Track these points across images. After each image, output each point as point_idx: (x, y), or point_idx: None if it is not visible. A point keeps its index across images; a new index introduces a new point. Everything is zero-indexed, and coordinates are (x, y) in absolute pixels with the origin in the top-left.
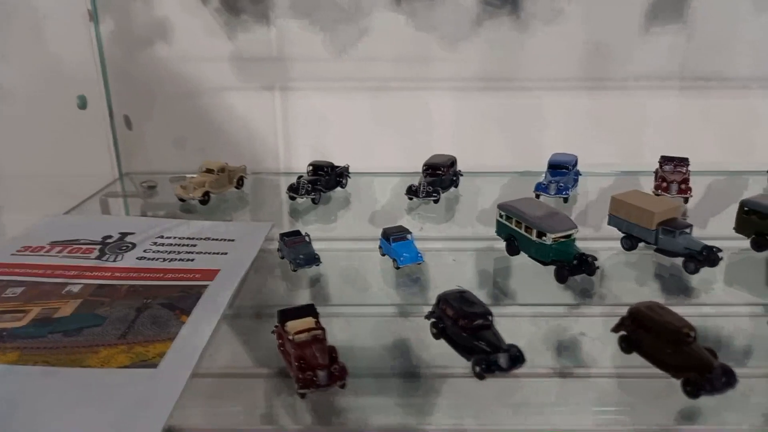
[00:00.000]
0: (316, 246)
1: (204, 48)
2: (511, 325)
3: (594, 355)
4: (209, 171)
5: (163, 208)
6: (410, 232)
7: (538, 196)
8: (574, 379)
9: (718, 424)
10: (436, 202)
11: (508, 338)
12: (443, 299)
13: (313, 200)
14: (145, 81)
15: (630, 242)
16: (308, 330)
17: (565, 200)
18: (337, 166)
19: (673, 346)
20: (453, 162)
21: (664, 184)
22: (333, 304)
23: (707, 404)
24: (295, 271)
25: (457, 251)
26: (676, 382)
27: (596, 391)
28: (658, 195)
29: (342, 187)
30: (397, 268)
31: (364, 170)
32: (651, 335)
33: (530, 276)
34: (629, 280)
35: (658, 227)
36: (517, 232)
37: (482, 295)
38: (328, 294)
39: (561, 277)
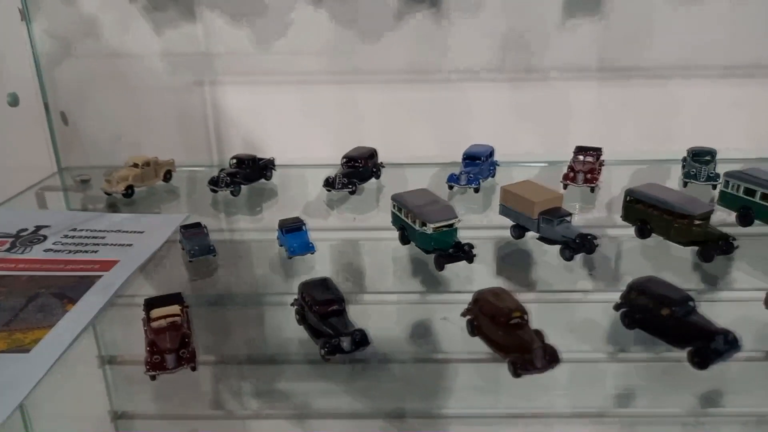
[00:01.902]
0: (235, 237)
1: (134, 44)
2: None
3: (454, 340)
4: (135, 165)
5: (101, 201)
6: (305, 224)
7: (451, 187)
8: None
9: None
10: (351, 193)
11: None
12: (303, 287)
13: (232, 192)
14: (79, 77)
15: (518, 231)
16: (166, 317)
17: (476, 190)
18: (261, 159)
19: (502, 327)
20: (372, 154)
21: (572, 174)
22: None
23: (530, 382)
24: (191, 261)
25: (371, 241)
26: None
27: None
28: (565, 185)
29: (267, 179)
30: (289, 258)
31: (293, 162)
32: (487, 318)
33: (419, 264)
34: (512, 267)
35: (539, 216)
36: (405, 222)
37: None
38: (225, 282)
39: (439, 265)
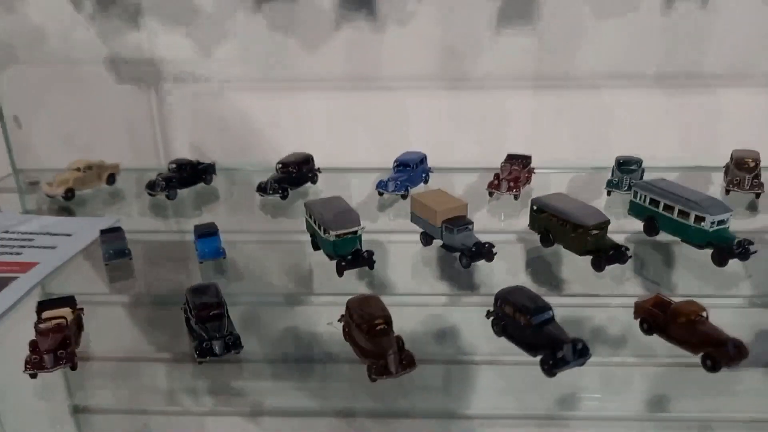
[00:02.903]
0: (161, 239)
1: (82, 50)
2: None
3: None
4: (77, 169)
5: (55, 203)
6: (217, 229)
7: (381, 194)
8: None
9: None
10: (282, 198)
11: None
12: (188, 292)
13: (167, 196)
14: (30, 83)
15: (426, 238)
16: (52, 319)
17: (404, 197)
18: (201, 164)
19: (365, 334)
20: (308, 159)
21: (495, 182)
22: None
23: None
24: (107, 264)
25: (290, 244)
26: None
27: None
28: (490, 192)
29: (207, 183)
30: (200, 262)
31: (235, 166)
32: (354, 325)
33: (324, 270)
34: (409, 272)
35: (441, 225)
36: (314, 228)
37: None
38: (137, 284)
39: (339, 271)
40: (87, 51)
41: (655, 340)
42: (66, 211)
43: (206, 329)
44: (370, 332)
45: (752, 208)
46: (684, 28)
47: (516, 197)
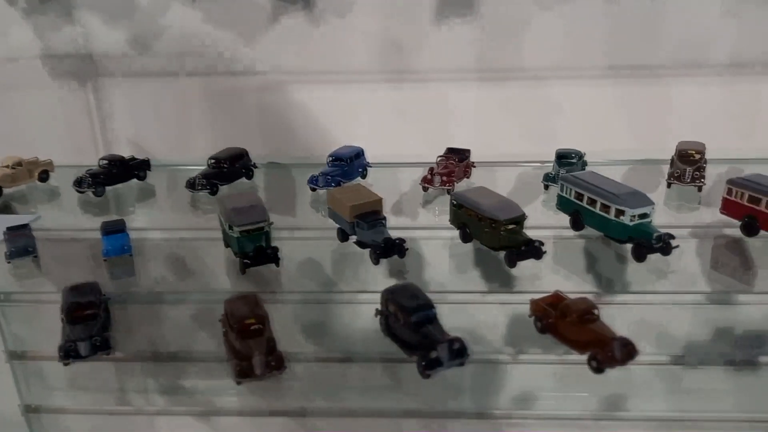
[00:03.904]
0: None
1: (15, 47)
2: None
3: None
4: (5, 166)
5: None
6: (125, 226)
7: (313, 189)
8: None
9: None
10: (212, 194)
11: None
12: (63, 292)
13: (94, 193)
14: None
15: (341, 234)
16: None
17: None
18: (134, 160)
19: (237, 334)
20: (242, 155)
21: (429, 177)
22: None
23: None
24: (9, 262)
25: (200, 241)
26: None
27: None
28: (424, 187)
29: (140, 179)
30: (104, 260)
31: (172, 162)
32: (228, 324)
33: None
34: (313, 269)
35: (353, 220)
36: (224, 225)
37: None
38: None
39: (241, 269)
40: (21, 47)
41: None
42: None
43: (74, 330)
44: (241, 333)
45: (693, 201)
46: (631, 17)
47: (449, 192)
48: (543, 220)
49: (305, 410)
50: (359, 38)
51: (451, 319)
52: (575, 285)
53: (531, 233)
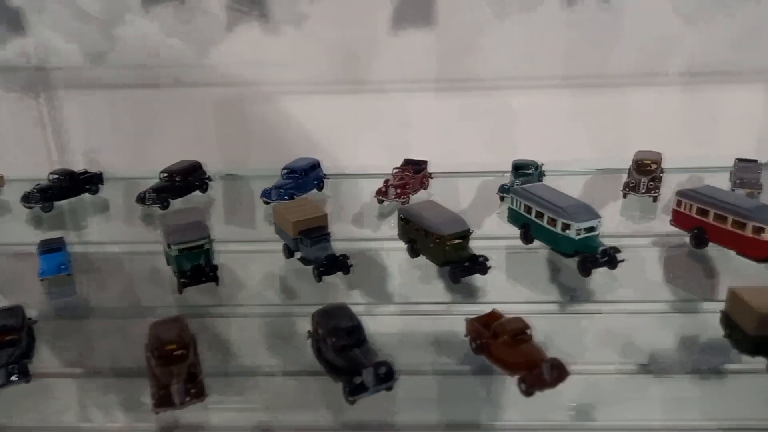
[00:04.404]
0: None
1: None
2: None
3: None
4: None
5: None
6: (64, 245)
7: (266, 202)
8: None
9: None
10: (162, 209)
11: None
12: None
13: (42, 208)
14: None
15: (287, 251)
16: None
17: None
18: (86, 173)
19: (156, 359)
20: (195, 168)
21: (384, 189)
22: None
23: None
24: None
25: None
26: None
27: None
28: (379, 200)
29: (92, 193)
30: (40, 279)
31: (133, 175)
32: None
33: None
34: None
35: (297, 236)
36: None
37: None
38: None
39: (179, 288)
40: None
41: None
42: None
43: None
44: (161, 359)
45: (649, 211)
46: (589, 27)
47: (403, 204)
48: (498, 231)
49: (258, 426)
50: (316, 48)
51: (391, 333)
52: (527, 296)
53: (485, 244)
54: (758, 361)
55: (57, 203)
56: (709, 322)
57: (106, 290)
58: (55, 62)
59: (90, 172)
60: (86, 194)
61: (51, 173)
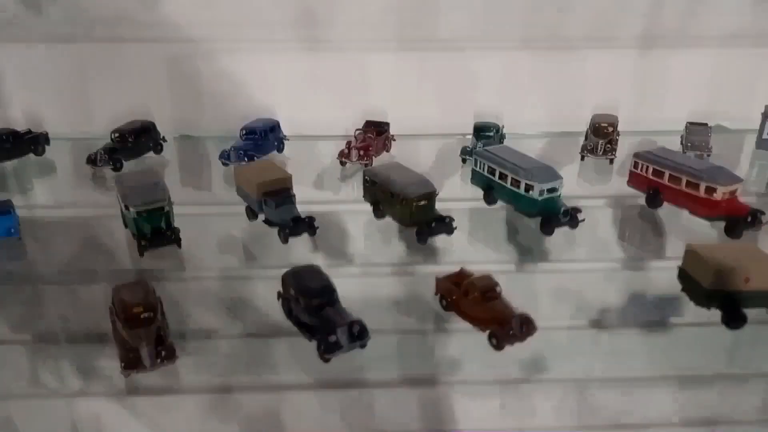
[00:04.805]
0: None
1: None
2: None
3: None
4: None
5: None
6: (11, 207)
7: (225, 164)
8: None
9: None
10: (115, 170)
11: None
12: None
13: None
14: None
15: (250, 213)
16: None
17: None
18: (30, 133)
19: (126, 324)
20: (148, 128)
21: (346, 151)
22: None
23: None
24: None
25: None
26: None
27: None
28: (341, 162)
29: (37, 154)
30: None
31: (79, 136)
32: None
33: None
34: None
35: (261, 198)
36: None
37: None
38: None
39: (140, 251)
40: None
41: None
42: None
43: None
44: (129, 321)
45: (605, 173)
46: None
47: (366, 166)
48: (461, 193)
49: (228, 387)
50: (273, 5)
51: (359, 293)
52: (489, 257)
53: (448, 206)
54: (713, 314)
55: (2, 164)
56: (662, 278)
57: (58, 254)
58: None
59: (35, 132)
60: (31, 155)
61: None
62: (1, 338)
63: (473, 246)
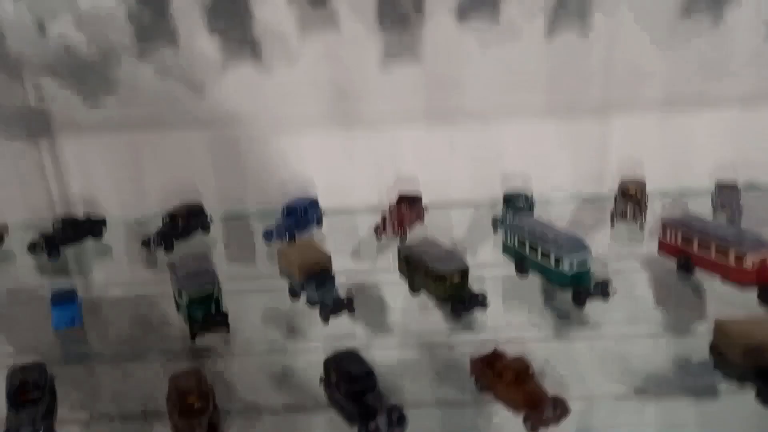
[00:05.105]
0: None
1: None
2: None
3: None
4: None
5: None
6: (76, 295)
7: (268, 244)
8: None
9: None
10: (167, 251)
11: None
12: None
13: (49, 257)
14: None
15: (293, 293)
16: None
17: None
18: (89, 219)
19: (180, 414)
20: (197, 210)
21: (381, 226)
22: None
23: None
24: None
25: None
26: None
27: None
28: (378, 236)
29: (95, 237)
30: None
31: (133, 217)
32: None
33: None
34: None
35: (303, 279)
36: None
37: None
38: None
39: (192, 336)
40: None
41: None
42: None
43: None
44: (183, 411)
45: (636, 238)
46: (567, 57)
47: (402, 239)
48: (494, 260)
49: None
50: (308, 87)
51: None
52: (523, 326)
53: (483, 273)
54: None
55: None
56: (698, 345)
57: (117, 337)
58: (55, 106)
59: (93, 218)
60: (90, 238)
61: (54, 221)
62: (67, 417)
63: (508, 316)
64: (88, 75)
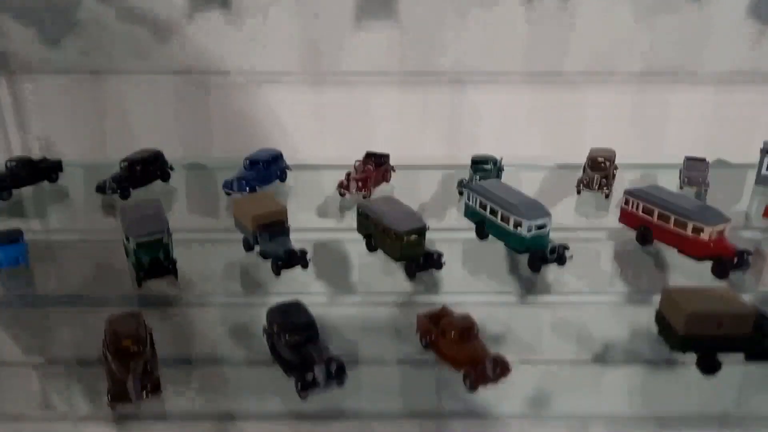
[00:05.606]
0: None
1: None
2: None
3: None
4: None
5: None
6: (21, 235)
7: (228, 193)
8: None
9: None
10: (123, 198)
11: None
12: None
13: (0, 197)
14: None
15: (246, 245)
16: None
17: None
18: (45, 160)
19: (114, 356)
20: (156, 157)
21: (345, 182)
22: None
23: None
24: None
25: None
26: None
27: None
28: (341, 193)
29: (51, 181)
30: None
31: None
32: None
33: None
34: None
35: (256, 230)
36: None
37: None
38: None
39: (138, 281)
40: None
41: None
42: None
43: None
44: (117, 354)
45: (601, 207)
46: (547, 25)
47: (365, 197)
48: (457, 224)
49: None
50: (279, 39)
51: (342, 324)
52: (480, 289)
53: (444, 237)
54: (688, 357)
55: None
56: (646, 317)
57: (64, 281)
58: (14, 47)
59: (49, 160)
60: (45, 182)
61: (8, 161)
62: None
63: (464, 278)
64: (49, 15)
